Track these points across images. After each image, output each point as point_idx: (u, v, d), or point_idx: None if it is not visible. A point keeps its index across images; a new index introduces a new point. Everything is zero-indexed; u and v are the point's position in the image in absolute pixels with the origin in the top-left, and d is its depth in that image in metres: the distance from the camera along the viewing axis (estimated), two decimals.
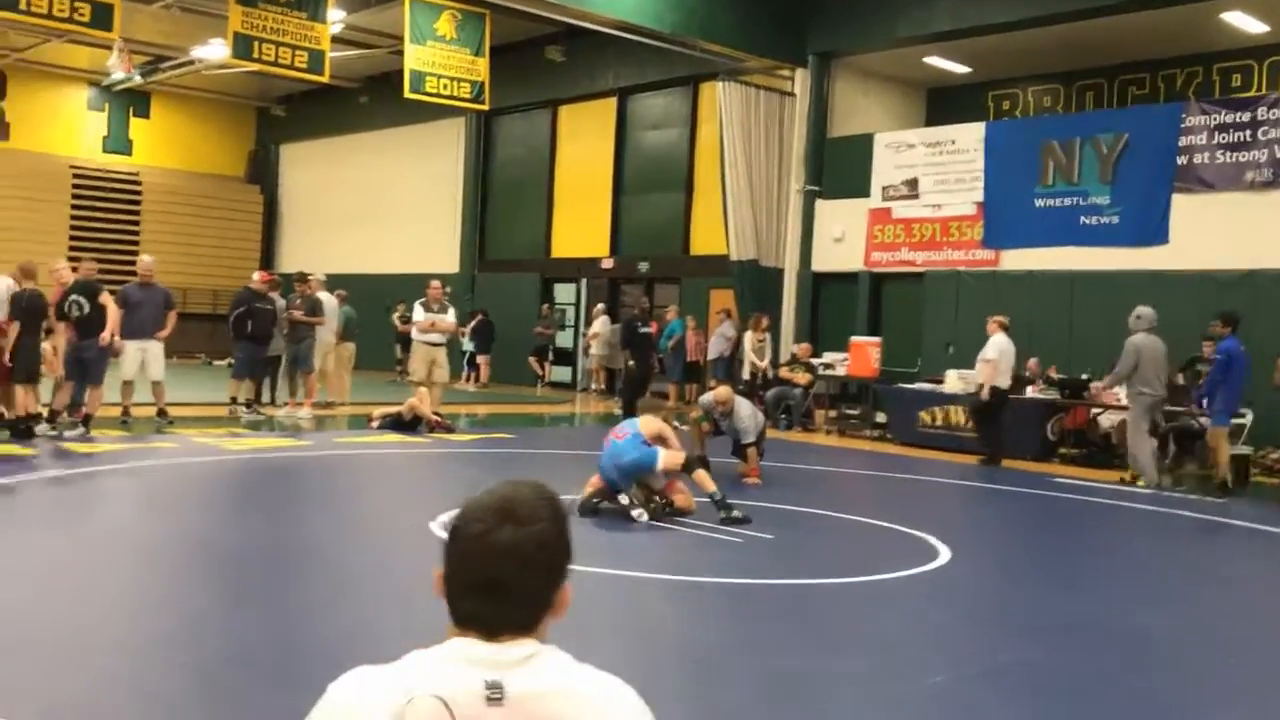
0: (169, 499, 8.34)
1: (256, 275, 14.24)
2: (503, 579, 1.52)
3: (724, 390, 9.94)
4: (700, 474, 7.78)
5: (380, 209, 26.24)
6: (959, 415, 14.09)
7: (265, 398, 14.61)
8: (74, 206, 25.98)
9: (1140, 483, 11.22)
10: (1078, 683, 4.66)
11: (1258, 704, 4.51)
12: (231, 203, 28.97)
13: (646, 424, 8.03)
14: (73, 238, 25.16)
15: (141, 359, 12.13)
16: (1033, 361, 14.73)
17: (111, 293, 11.69)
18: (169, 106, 28.04)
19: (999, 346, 12.61)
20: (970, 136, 17.00)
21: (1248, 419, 12.55)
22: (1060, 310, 15.60)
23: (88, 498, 8.39)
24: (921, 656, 4.99)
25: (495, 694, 1.46)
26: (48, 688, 4.00)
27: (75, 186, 26.11)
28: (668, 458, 7.75)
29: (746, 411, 9.84)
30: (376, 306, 21.97)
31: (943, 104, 19.64)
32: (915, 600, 6.10)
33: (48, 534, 6.78)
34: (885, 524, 8.24)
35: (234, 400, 13.57)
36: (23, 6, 13.53)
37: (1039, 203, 16.18)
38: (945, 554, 7.09)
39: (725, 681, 4.21)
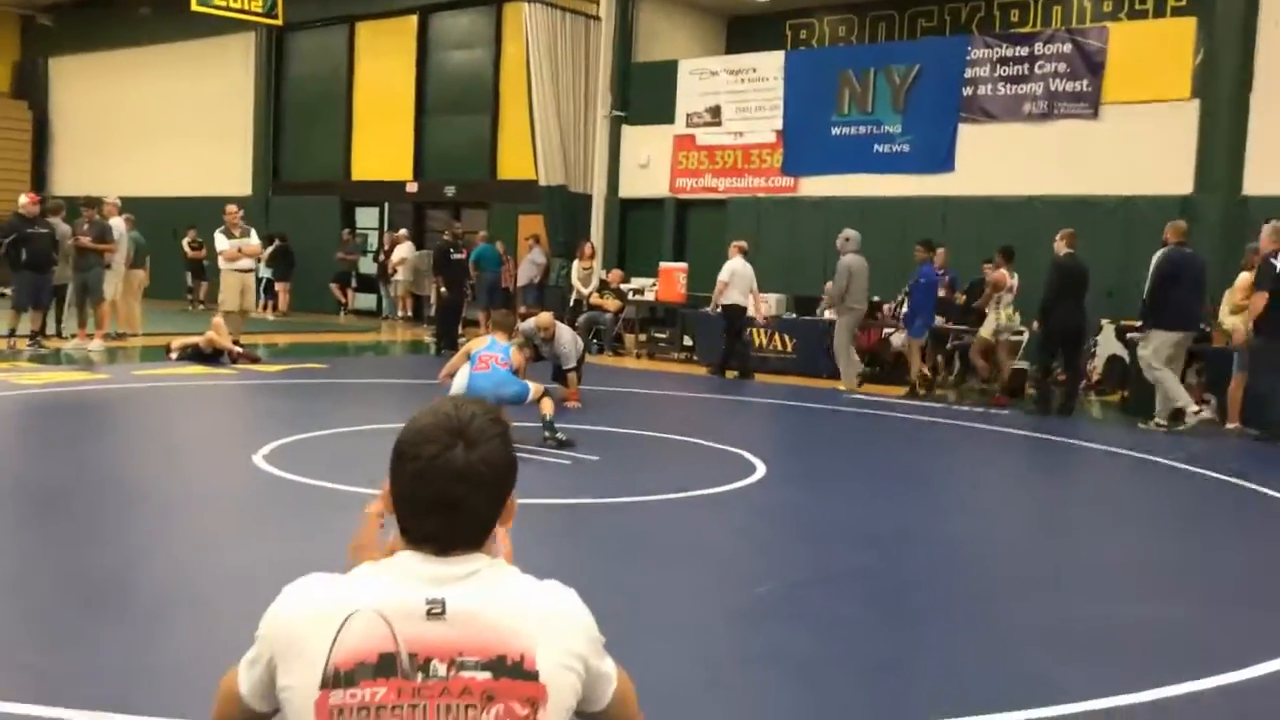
0: None
1: (24, 198, 13.26)
2: (456, 498, 1.57)
3: (545, 316, 10.06)
4: (546, 400, 7.96)
5: (164, 128, 24.76)
6: (761, 337, 14.68)
7: (50, 329, 13.79)
8: None
9: (842, 387, 12.67)
10: (898, 584, 5.05)
11: (1046, 593, 4.99)
12: None
13: (516, 356, 8.09)
14: None
15: None
16: (828, 285, 15.38)
17: None
18: None
19: (732, 269, 13.67)
20: (771, 65, 17.42)
21: (1025, 336, 13.52)
22: None
23: None
24: (751, 568, 5.28)
25: (436, 609, 1.53)
26: None
27: None
28: (535, 390, 7.94)
29: (568, 337, 10.00)
30: (163, 231, 20.90)
31: (743, 32, 19.99)
32: (739, 514, 6.41)
33: None
34: (702, 442, 8.57)
35: (13, 332, 12.75)
36: None
37: (835, 131, 16.79)
38: (761, 469, 7.45)
39: None
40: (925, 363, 13.17)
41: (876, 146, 16.42)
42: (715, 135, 17.89)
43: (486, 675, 1.52)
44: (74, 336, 13.61)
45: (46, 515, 5.63)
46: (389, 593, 1.55)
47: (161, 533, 5.48)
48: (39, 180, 27.36)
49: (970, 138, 15.60)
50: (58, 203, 14.29)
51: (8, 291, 13.98)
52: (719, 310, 13.81)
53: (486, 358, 8.00)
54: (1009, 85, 15.33)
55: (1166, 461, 8.62)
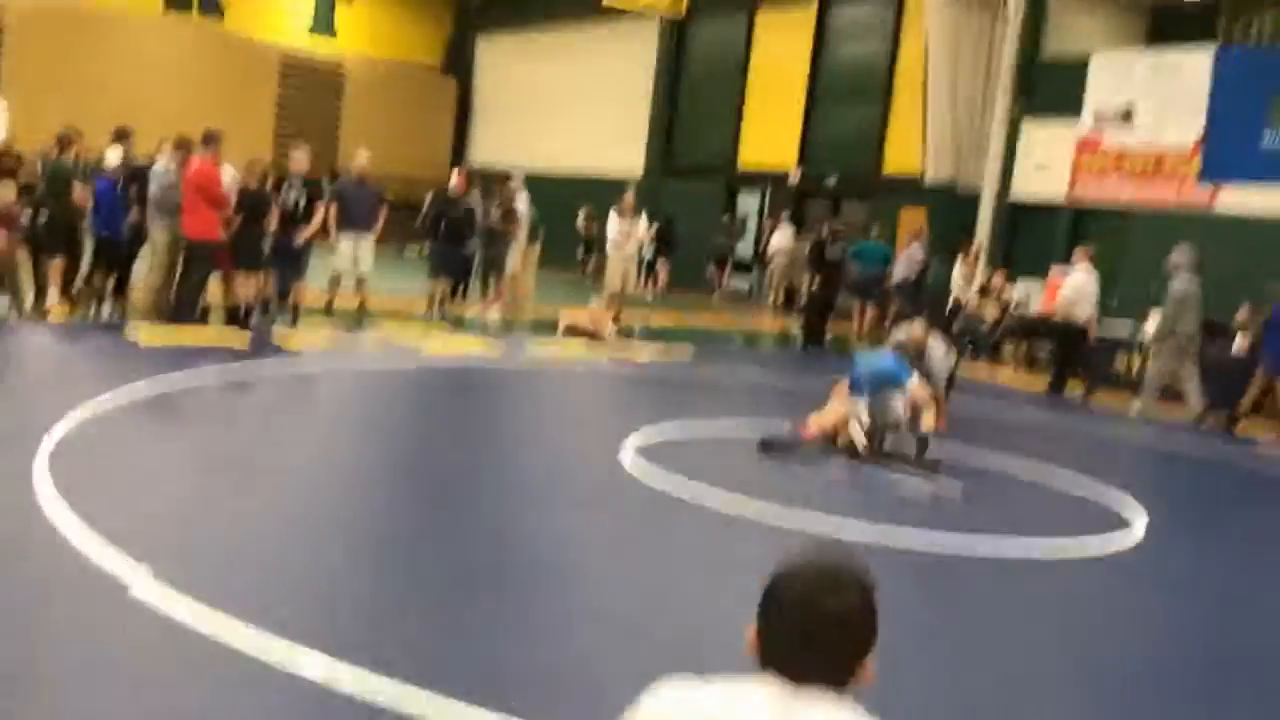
0: (365, 409, 8.77)
1: (455, 179, 14.60)
2: (817, 636, 1.67)
3: (919, 330, 9.70)
4: (929, 414, 7.86)
5: (571, 107, 26.34)
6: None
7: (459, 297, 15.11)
8: (280, 94, 26.86)
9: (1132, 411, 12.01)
10: None
11: None
12: (428, 92, 29.53)
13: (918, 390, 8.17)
14: (279, 124, 26.14)
15: (354, 253, 12.67)
16: (1244, 310, 13.92)
17: (317, 187, 12.18)
18: None
19: (1076, 281, 12.96)
20: (1198, 62, 15.90)
21: None
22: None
23: (287, 402, 8.79)
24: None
25: None
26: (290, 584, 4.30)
27: (283, 74, 26.96)
28: (919, 389, 7.84)
29: (939, 354, 9.60)
30: (560, 206, 22.23)
31: (1168, 25, 18.36)
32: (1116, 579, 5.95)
33: (260, 436, 7.24)
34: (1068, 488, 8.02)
35: (433, 299, 14.06)
36: None
37: (1266, 143, 15.10)
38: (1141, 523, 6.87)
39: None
40: None
41: None
42: (1125, 136, 16.61)
43: None
44: (477, 304, 14.80)
45: (427, 491, 6.16)
46: (742, 708, 1.67)
47: (534, 517, 5.85)
48: (459, 150, 29.94)
49: None
50: (471, 179, 15.54)
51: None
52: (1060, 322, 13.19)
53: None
54: None
55: None
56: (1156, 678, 4.58)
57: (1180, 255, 12.14)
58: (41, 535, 4.56)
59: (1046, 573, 5.83)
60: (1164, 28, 18.35)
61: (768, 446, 7.89)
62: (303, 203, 11.55)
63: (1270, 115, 15.05)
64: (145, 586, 4.06)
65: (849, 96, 20.82)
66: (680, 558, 5.50)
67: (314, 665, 3.60)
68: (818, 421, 8.10)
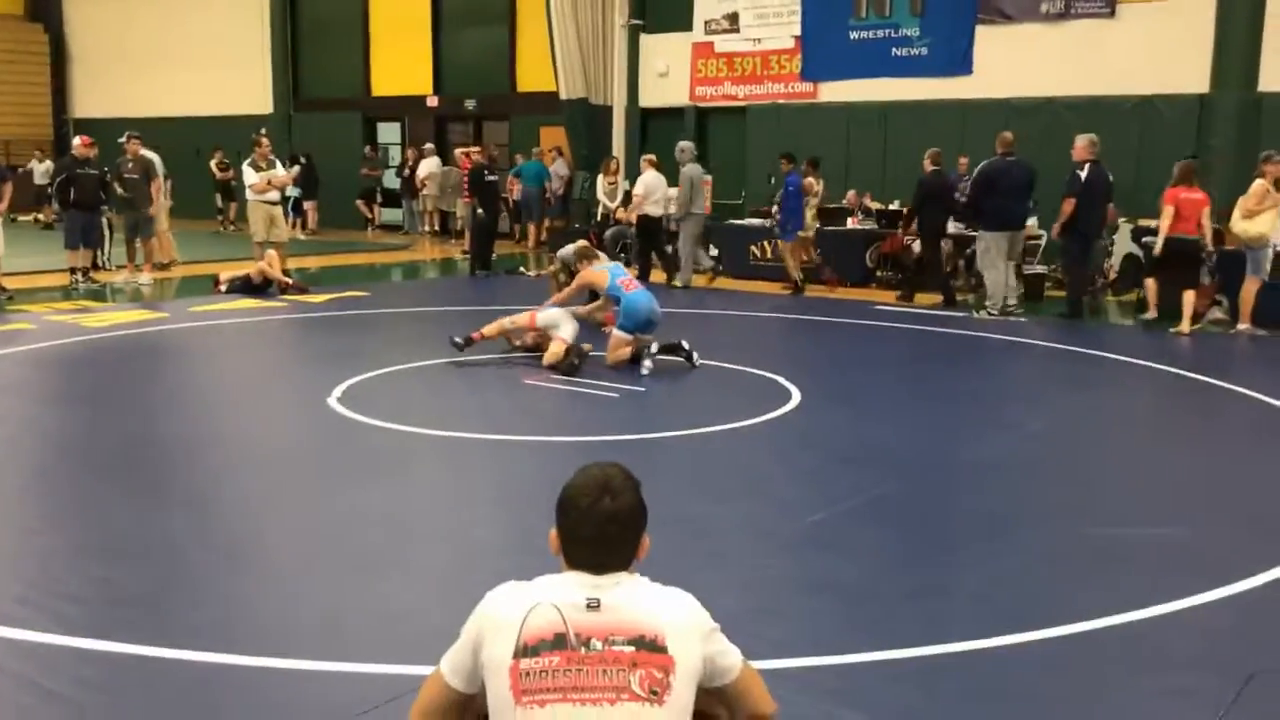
0: (55, 388, 8.41)
1: (77, 141, 13.76)
2: (606, 535, 2.20)
3: (584, 243, 10.44)
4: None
5: (182, 49, 24.91)
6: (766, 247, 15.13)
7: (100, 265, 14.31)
8: None
9: (676, 282, 14.12)
10: (930, 509, 5.59)
11: (1069, 520, 5.53)
12: (12, 44, 26.95)
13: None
14: None
15: None
16: (851, 193, 15.71)
17: None
18: None
19: (645, 182, 14.55)
20: None
21: (1043, 240, 13.89)
22: (874, 141, 16.56)
23: None
24: (799, 498, 5.82)
25: (593, 603, 2.15)
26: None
27: None
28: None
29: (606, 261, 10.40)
30: (185, 152, 21.24)
31: None
32: (782, 443, 6.94)
33: None
34: (734, 366, 9.07)
35: (72, 271, 13.29)
36: None
37: (854, 35, 16.90)
38: (797, 396, 7.96)
39: None
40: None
41: (895, 50, 16.55)
42: (734, 42, 18.01)
43: (631, 649, 2.11)
44: (122, 269, 14.11)
45: (152, 468, 6.20)
46: (561, 593, 2.17)
47: (266, 487, 6.05)
48: (60, 102, 27.61)
49: (988, 40, 15.73)
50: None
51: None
52: (632, 219, 14.92)
53: (626, 281, 9.13)
54: None
55: (1176, 370, 9.12)
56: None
57: (683, 148, 14.56)
58: None
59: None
60: None
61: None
62: None
63: (852, 11, 16.80)
64: None
65: (475, 19, 21.10)
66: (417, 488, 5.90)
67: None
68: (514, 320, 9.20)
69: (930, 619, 4.22)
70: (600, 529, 2.17)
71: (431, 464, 6.42)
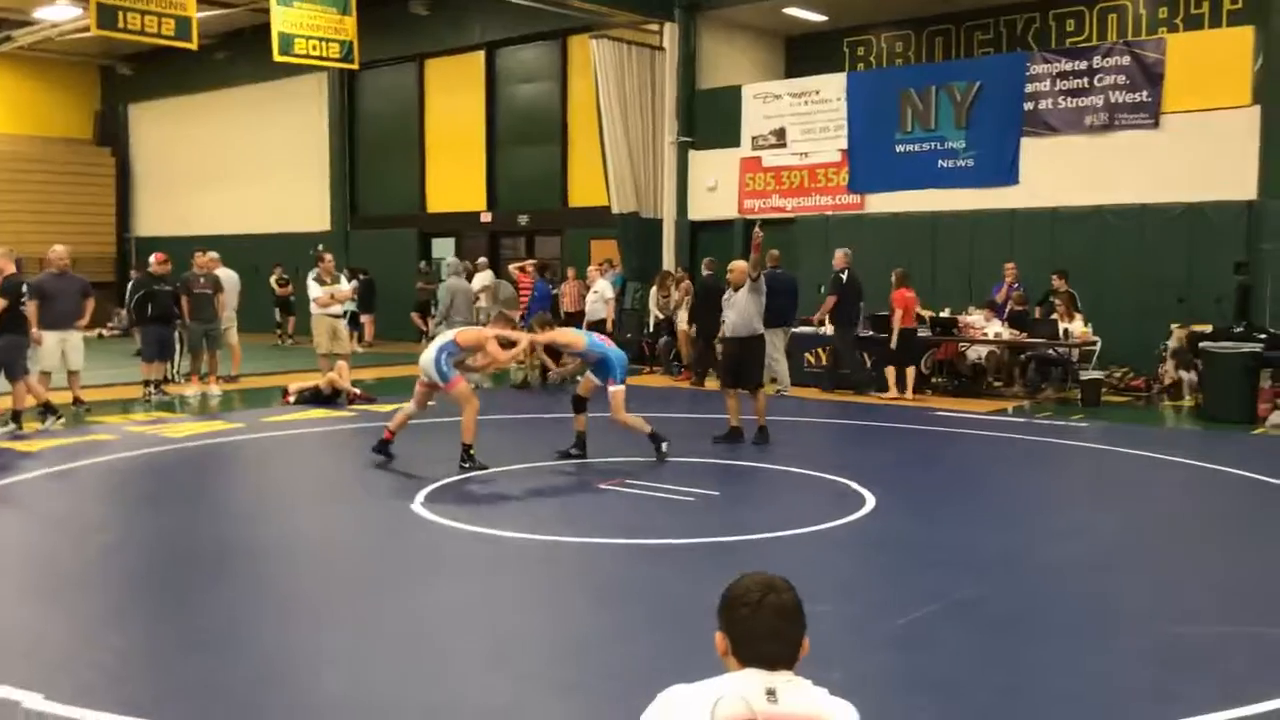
0: (144, 495, 8.64)
1: (153, 258, 14.32)
2: (777, 629, 2.34)
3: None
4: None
5: (242, 167, 25.86)
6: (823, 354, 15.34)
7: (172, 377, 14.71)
8: None
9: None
10: (1018, 612, 5.64)
11: (1165, 626, 5.56)
12: (82, 166, 28.08)
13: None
14: None
15: (61, 350, 12.16)
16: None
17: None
18: (5, 69, 26.83)
19: (598, 289, 16.84)
20: (833, 86, 17.97)
21: (1098, 345, 13.99)
22: (923, 249, 16.82)
23: (63, 503, 8.56)
24: (887, 599, 5.89)
25: (772, 697, 2.27)
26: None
27: None
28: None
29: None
30: (244, 268, 21.80)
31: (802, 52, 20.53)
32: (864, 547, 7.02)
33: (58, 543, 7.11)
34: (806, 471, 9.17)
35: (147, 383, 13.66)
36: None
37: (900, 149, 17.30)
38: (871, 500, 8.04)
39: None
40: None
41: (941, 162, 16.91)
42: (781, 157, 18.48)
43: None
44: (187, 379, 14.41)
45: (257, 576, 6.36)
46: (741, 686, 2.29)
47: (360, 589, 6.20)
48: (124, 221, 28.58)
49: (1034, 151, 16.04)
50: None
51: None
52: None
53: (604, 339, 10.07)
54: (1069, 98, 15.74)
55: (1238, 472, 9.14)
56: None
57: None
58: None
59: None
60: (800, 55, 20.47)
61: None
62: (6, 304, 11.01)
63: (898, 125, 17.25)
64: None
65: (528, 137, 21.79)
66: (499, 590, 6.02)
67: None
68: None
69: (1028, 717, 4.27)
70: (772, 623, 2.32)
71: (532, 567, 6.53)
